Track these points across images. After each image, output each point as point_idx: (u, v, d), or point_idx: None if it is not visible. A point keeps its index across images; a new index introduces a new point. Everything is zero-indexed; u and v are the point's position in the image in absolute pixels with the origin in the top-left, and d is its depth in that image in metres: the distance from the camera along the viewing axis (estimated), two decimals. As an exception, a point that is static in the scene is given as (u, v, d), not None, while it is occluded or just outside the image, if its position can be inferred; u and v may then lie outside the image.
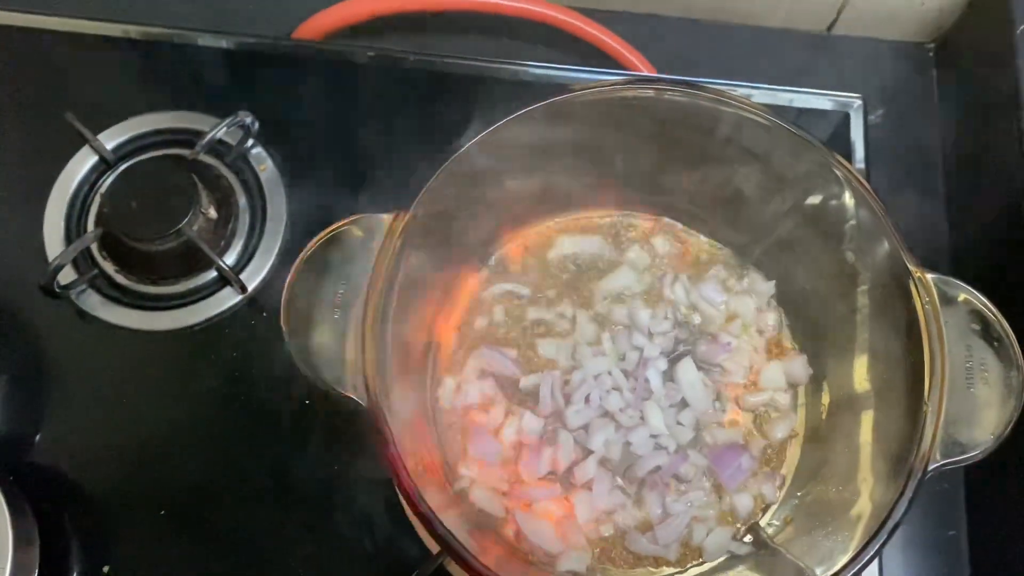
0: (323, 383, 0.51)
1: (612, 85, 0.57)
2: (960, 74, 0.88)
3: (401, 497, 0.65)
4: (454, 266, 0.65)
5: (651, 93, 0.58)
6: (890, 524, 0.49)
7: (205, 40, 0.82)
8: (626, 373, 0.64)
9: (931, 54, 0.92)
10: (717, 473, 0.62)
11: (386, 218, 0.54)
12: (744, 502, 0.62)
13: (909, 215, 0.75)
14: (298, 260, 0.52)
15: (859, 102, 0.83)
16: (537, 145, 0.61)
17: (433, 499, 0.50)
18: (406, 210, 0.54)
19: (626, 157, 0.65)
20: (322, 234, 0.53)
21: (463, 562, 0.50)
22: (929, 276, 0.54)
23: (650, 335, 0.65)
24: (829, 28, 0.91)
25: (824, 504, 0.59)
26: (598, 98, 0.57)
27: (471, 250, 0.66)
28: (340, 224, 0.53)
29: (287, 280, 0.52)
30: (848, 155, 0.80)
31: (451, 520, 0.51)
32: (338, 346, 0.52)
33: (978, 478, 0.72)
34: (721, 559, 0.61)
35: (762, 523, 0.62)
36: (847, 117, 0.83)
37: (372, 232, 0.54)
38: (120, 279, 0.73)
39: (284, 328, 0.51)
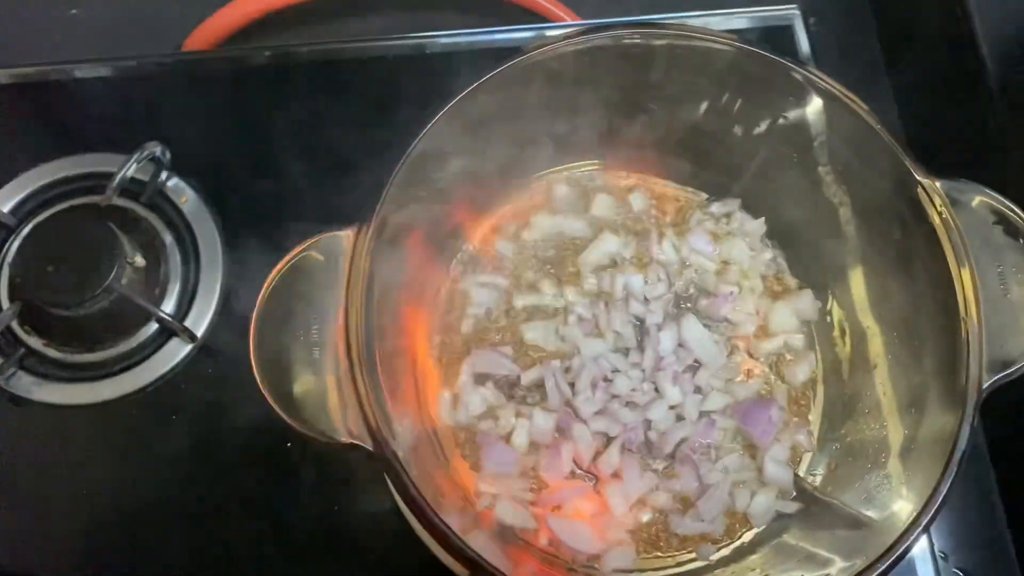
0: (320, 435, 0.45)
1: (564, 40, 0.51)
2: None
3: (418, 525, 0.60)
4: (425, 270, 0.59)
5: (607, 41, 0.52)
6: (957, 455, 0.46)
7: (85, 71, 0.74)
8: (627, 349, 0.59)
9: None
10: (748, 432, 0.58)
11: (347, 235, 0.47)
12: (781, 456, 0.58)
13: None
14: (259, 301, 0.46)
15: (797, 12, 0.79)
16: (488, 120, 0.55)
17: (455, 523, 0.45)
18: (363, 223, 0.48)
19: (585, 114, 0.60)
20: (279, 265, 0.46)
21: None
22: (938, 183, 0.50)
23: (646, 301, 0.60)
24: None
25: (866, 443, 0.55)
26: (547, 57, 0.52)
27: (439, 248, 0.60)
28: (297, 251, 0.47)
29: (251, 328, 0.45)
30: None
31: (479, 542, 0.46)
32: (324, 389, 0.45)
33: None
34: (771, 521, 0.57)
35: (802, 474, 0.58)
36: (790, 30, 0.78)
37: (334, 254, 0.47)
38: (51, 352, 0.65)
39: (261, 384, 0.45)
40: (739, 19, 0.77)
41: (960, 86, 0.72)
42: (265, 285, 0.46)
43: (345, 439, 0.45)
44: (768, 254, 0.62)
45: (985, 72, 0.68)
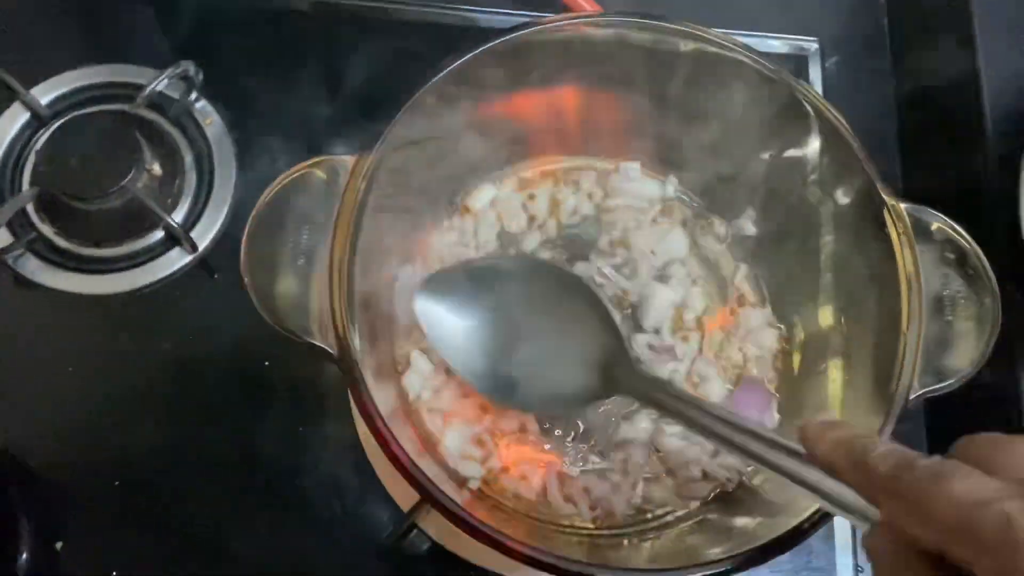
0: (288, 331, 0.48)
1: (572, 20, 0.55)
2: (910, 18, 0.88)
3: (369, 451, 0.63)
4: (418, 217, 0.63)
5: (612, 30, 0.56)
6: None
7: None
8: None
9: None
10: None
11: (349, 159, 0.51)
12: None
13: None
14: (259, 203, 0.49)
15: (816, 45, 0.83)
16: (498, 89, 0.59)
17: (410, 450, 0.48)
18: (369, 151, 0.52)
19: (590, 108, 0.63)
20: (283, 176, 0.50)
21: (441, 507, 0.47)
22: (903, 206, 0.54)
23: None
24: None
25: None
26: (557, 37, 0.55)
27: (434, 200, 0.64)
28: (302, 166, 0.50)
29: (247, 225, 0.49)
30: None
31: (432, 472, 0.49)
32: (303, 293, 0.49)
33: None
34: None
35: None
36: (804, 60, 0.82)
37: (335, 175, 0.51)
38: (60, 242, 0.69)
39: (244, 275, 0.48)
40: (756, 41, 0.80)
41: (962, 145, 0.76)
42: (269, 189, 0.49)
43: (312, 340, 0.48)
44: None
45: (985, 136, 0.72)
